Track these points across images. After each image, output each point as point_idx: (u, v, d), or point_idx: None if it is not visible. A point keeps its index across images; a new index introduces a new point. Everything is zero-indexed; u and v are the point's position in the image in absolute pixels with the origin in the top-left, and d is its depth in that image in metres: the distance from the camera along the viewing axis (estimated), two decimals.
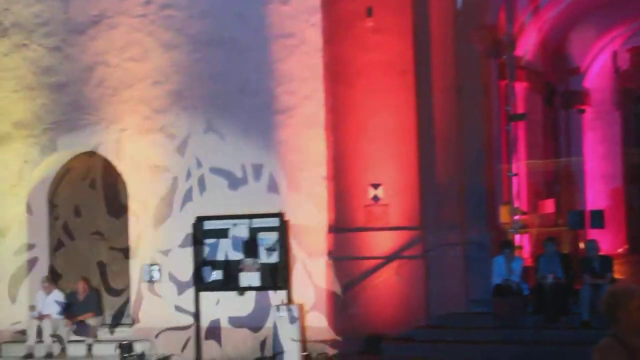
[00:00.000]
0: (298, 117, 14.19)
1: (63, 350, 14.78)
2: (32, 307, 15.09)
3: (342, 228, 13.74)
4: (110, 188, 15.53)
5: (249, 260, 14.10)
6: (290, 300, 13.76)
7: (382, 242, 13.55)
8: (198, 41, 14.69)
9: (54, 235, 15.83)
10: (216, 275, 14.23)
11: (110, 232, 15.57)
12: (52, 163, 15.64)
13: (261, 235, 14.04)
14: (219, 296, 14.23)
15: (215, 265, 14.23)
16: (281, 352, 13.17)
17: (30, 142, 15.37)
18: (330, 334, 13.61)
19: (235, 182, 14.40)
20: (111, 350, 14.51)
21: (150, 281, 14.78)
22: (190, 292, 14.29)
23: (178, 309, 14.49)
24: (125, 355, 14.32)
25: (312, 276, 13.92)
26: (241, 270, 14.11)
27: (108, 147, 15.12)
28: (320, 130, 14.02)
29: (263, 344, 13.70)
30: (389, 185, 13.61)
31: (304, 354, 13.37)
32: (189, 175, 14.65)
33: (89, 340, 14.76)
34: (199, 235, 14.24)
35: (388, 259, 13.48)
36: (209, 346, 14.16)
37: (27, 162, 15.40)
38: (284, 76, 14.27)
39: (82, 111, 15.14)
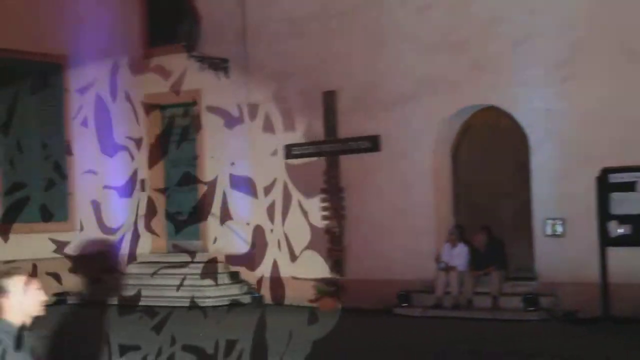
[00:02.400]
0: None
1: (469, 302, 15.15)
2: (438, 259, 15.62)
3: None
4: (510, 142, 15.57)
5: None
6: None
7: None
8: None
9: (457, 191, 16.24)
10: (623, 230, 13.73)
11: (513, 187, 15.63)
12: (455, 120, 16.04)
13: None
14: (627, 252, 13.69)
15: (622, 219, 13.73)
16: None
17: (433, 100, 15.87)
18: None
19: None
20: (516, 303, 14.62)
21: (553, 235, 14.63)
22: (595, 247, 13.91)
23: (582, 264, 14.18)
24: (529, 309, 14.37)
25: None
26: None
27: (509, 102, 15.17)
28: None
29: None
30: None
31: None
32: (597, 121, 14.23)
33: (494, 292, 14.97)
34: (604, 188, 13.80)
35: None
36: (616, 303, 13.69)
37: (434, 119, 15.92)
38: None
39: (483, 67, 15.32)
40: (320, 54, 17.10)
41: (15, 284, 4.89)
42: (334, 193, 16.92)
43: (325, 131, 17.04)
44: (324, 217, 17.03)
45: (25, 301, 4.89)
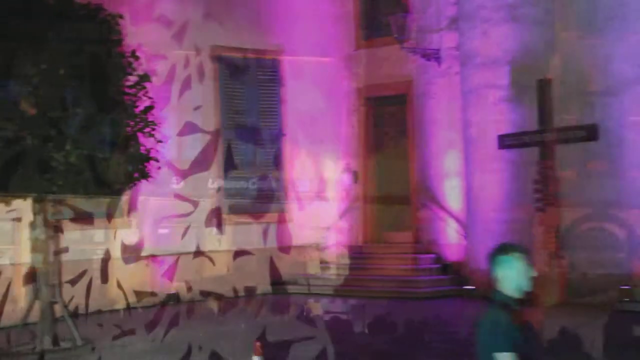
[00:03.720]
0: None
1: None
2: None
3: None
4: None
5: None
6: None
7: None
8: None
9: None
10: None
11: None
12: None
13: None
14: None
15: None
16: None
17: None
18: None
19: None
20: None
21: None
22: None
23: None
24: None
25: None
26: None
27: None
28: None
29: None
30: None
31: None
32: None
33: None
34: None
35: None
36: None
37: None
38: None
39: None
40: (534, 40, 16.57)
41: (516, 258, 5.14)
42: (548, 183, 16.36)
43: (539, 120, 16.50)
44: (538, 208, 16.51)
45: (519, 275, 5.13)
